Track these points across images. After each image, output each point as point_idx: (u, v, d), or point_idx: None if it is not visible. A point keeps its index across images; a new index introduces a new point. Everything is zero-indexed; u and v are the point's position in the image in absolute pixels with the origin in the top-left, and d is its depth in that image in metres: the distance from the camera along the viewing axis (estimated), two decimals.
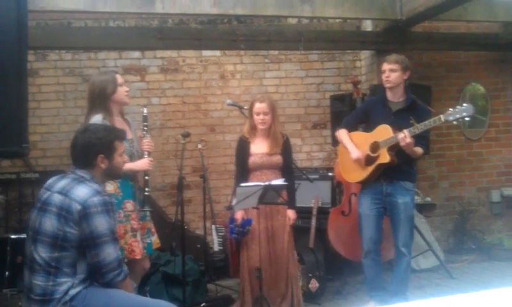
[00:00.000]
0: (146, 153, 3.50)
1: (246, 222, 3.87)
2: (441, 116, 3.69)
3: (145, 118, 3.60)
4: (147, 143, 3.52)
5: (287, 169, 4.03)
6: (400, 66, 3.96)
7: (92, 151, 2.62)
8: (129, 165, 3.29)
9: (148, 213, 3.57)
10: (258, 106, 3.92)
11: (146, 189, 3.47)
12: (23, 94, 3.00)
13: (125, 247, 3.23)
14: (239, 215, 3.92)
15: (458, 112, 3.64)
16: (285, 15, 5.84)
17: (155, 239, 3.62)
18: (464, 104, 3.69)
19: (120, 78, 3.49)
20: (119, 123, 3.39)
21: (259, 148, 3.96)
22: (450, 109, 3.69)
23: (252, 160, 3.94)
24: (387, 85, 4.01)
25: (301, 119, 6.43)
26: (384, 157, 3.85)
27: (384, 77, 4.01)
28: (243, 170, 3.98)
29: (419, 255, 5.29)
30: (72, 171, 2.64)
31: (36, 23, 5.43)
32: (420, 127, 3.72)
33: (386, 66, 4.00)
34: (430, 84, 5.76)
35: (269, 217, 3.92)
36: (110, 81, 3.43)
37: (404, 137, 3.70)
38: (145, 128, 3.56)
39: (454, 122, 3.73)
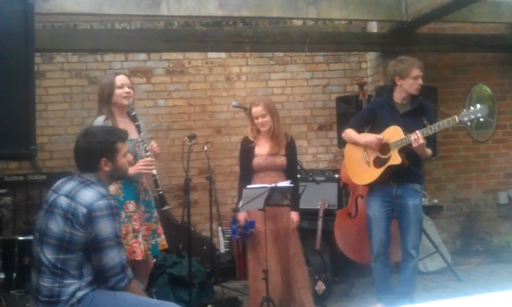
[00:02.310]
0: (145, 153, 3.45)
1: (249, 225, 3.85)
2: (456, 117, 3.67)
3: (135, 118, 3.48)
4: (144, 165, 3.42)
5: (291, 170, 4.00)
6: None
7: (94, 155, 2.60)
8: None
9: (155, 214, 3.57)
10: (254, 110, 3.91)
11: (158, 189, 3.46)
12: (30, 96, 3.02)
13: (126, 249, 3.23)
14: (241, 216, 3.89)
15: (472, 113, 3.63)
16: (290, 17, 5.85)
17: (161, 241, 3.61)
18: (478, 105, 3.66)
19: (119, 80, 3.47)
20: (123, 124, 3.37)
21: (263, 149, 3.94)
22: (464, 110, 3.68)
23: (256, 161, 3.91)
24: (416, 93, 3.95)
25: (307, 121, 6.42)
26: (396, 159, 3.83)
27: (418, 83, 3.92)
28: (247, 171, 3.95)
29: (426, 257, 5.27)
30: (78, 174, 2.64)
31: (42, 26, 5.45)
32: (433, 128, 3.70)
33: (420, 73, 3.92)
34: (436, 86, 5.74)
35: (274, 219, 3.89)
36: (107, 85, 3.48)
37: (417, 138, 3.69)
38: (137, 128, 3.46)
39: (468, 123, 3.71)
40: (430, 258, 5.35)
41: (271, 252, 3.79)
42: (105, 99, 3.45)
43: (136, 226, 3.34)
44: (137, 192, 3.46)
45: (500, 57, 6.46)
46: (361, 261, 4.67)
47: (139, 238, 3.34)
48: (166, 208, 3.55)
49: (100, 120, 3.36)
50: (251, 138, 3.97)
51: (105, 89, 3.46)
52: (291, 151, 4.02)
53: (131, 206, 3.37)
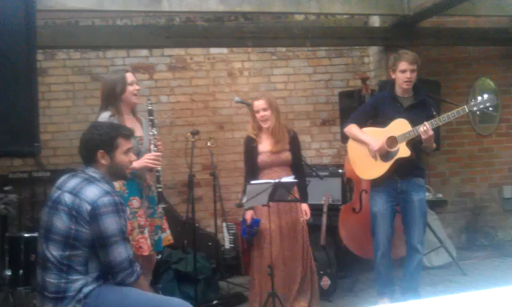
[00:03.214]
0: (154, 148, 3.46)
1: (254, 223, 3.86)
2: (465, 106, 3.68)
3: (151, 112, 3.51)
4: (150, 160, 3.39)
5: (297, 165, 4.01)
6: (417, 66, 3.91)
7: (92, 146, 2.62)
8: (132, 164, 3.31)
9: (159, 209, 3.57)
10: (256, 104, 3.93)
11: (158, 186, 3.44)
12: (33, 93, 3.01)
13: (132, 244, 3.24)
14: (248, 215, 3.91)
15: (481, 103, 3.64)
16: (292, 12, 5.83)
17: (166, 236, 3.62)
18: (485, 95, 3.68)
19: (130, 77, 3.48)
20: (129, 122, 3.38)
21: (266, 146, 3.95)
22: (473, 100, 3.69)
23: (261, 158, 3.92)
24: (408, 86, 3.93)
25: (309, 116, 6.41)
26: (405, 151, 3.82)
27: (405, 77, 3.89)
28: (252, 169, 3.96)
29: (431, 252, 5.26)
30: (82, 170, 2.65)
31: (44, 23, 5.46)
32: (442, 119, 3.69)
33: (407, 66, 3.87)
34: (439, 80, 5.73)
35: (281, 215, 3.90)
36: (119, 81, 3.43)
37: (427, 129, 3.68)
38: (151, 122, 3.49)
39: (478, 113, 3.71)
40: (435, 253, 5.34)
41: (277, 249, 3.80)
42: (117, 95, 3.40)
43: (142, 221, 3.35)
44: (140, 188, 3.46)
45: (503, 51, 6.44)
46: (365, 256, 4.67)
47: (145, 234, 3.34)
48: (161, 206, 3.52)
49: (105, 116, 3.34)
50: (253, 136, 3.98)
51: (117, 86, 3.40)
52: (295, 145, 4.03)
53: (136, 202, 3.37)
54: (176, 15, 6.03)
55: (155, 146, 3.45)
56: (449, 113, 3.69)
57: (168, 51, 6.13)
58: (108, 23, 5.94)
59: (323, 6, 5.26)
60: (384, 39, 5.96)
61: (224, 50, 6.24)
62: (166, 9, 4.92)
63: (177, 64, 6.20)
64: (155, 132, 3.48)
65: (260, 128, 3.96)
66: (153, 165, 3.40)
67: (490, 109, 3.63)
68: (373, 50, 6.40)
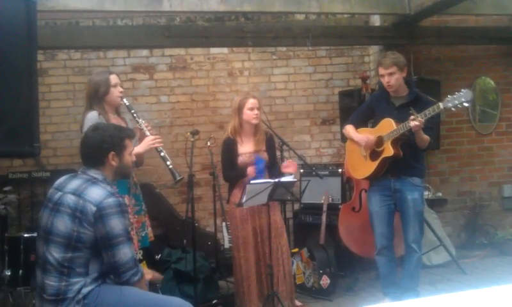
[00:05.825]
0: (147, 133, 3.53)
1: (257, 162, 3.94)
2: (440, 103, 3.62)
3: (129, 107, 3.60)
4: (154, 140, 3.52)
5: (272, 165, 4.11)
6: (397, 68, 3.86)
7: (104, 148, 2.62)
8: (135, 150, 3.36)
9: (143, 206, 3.62)
10: (252, 101, 4.03)
11: (168, 163, 3.49)
12: (33, 94, 3.02)
13: None
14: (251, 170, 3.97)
15: (457, 99, 3.57)
16: (292, 11, 5.84)
17: (148, 232, 3.67)
18: (463, 90, 3.60)
19: (113, 79, 3.52)
20: (115, 121, 3.45)
21: (246, 147, 4.05)
22: (449, 96, 3.62)
23: (241, 160, 4.03)
24: (390, 89, 3.94)
25: (310, 116, 6.41)
26: (389, 151, 3.82)
27: (384, 82, 3.92)
28: (232, 168, 4.08)
29: (431, 251, 5.26)
30: (82, 171, 2.64)
31: (45, 23, 5.46)
32: (420, 117, 3.66)
33: (383, 71, 3.88)
34: (439, 79, 5.73)
35: (255, 217, 4.02)
36: (103, 82, 3.49)
37: (415, 118, 3.60)
38: (134, 115, 3.57)
39: (453, 109, 3.64)
40: (434, 252, 5.34)
41: (266, 248, 3.85)
42: (100, 96, 3.46)
43: (131, 219, 3.40)
44: (128, 186, 3.50)
45: (504, 50, 6.43)
46: (365, 255, 4.67)
47: (133, 231, 3.39)
48: (178, 179, 3.55)
49: (94, 115, 3.38)
50: (233, 137, 4.08)
51: (101, 87, 3.47)
52: (271, 146, 4.14)
53: (126, 200, 3.40)
54: (176, 15, 6.03)
55: (148, 131, 3.55)
56: (425, 111, 3.63)
57: (168, 51, 6.13)
58: (108, 24, 5.95)
59: (324, 6, 5.26)
60: (385, 39, 5.95)
61: (225, 50, 6.24)
62: (167, 9, 4.92)
63: (177, 64, 6.21)
64: (143, 121, 3.60)
65: (241, 127, 4.04)
66: (158, 145, 3.52)
67: (465, 104, 3.58)
68: (373, 49, 6.40)
